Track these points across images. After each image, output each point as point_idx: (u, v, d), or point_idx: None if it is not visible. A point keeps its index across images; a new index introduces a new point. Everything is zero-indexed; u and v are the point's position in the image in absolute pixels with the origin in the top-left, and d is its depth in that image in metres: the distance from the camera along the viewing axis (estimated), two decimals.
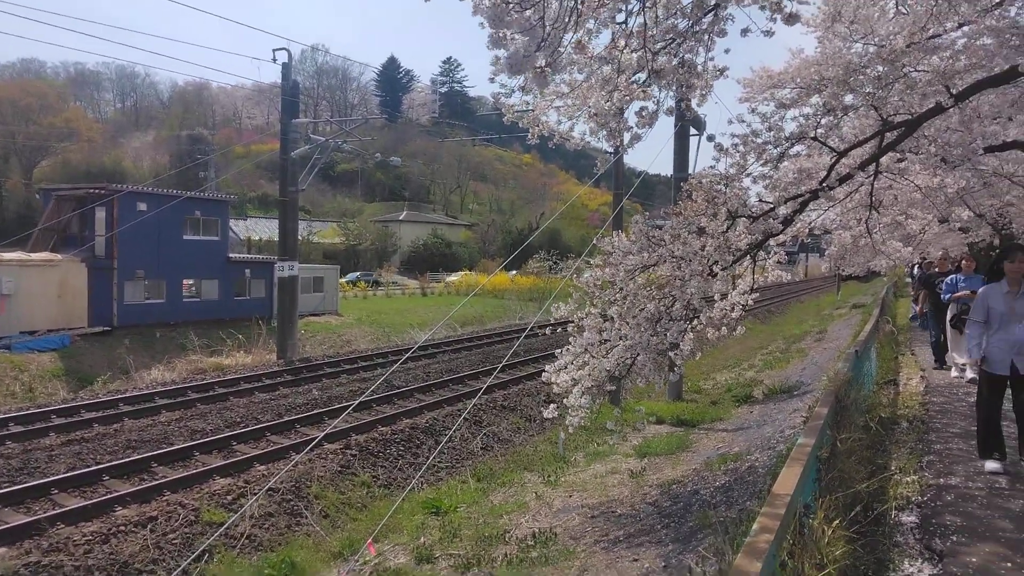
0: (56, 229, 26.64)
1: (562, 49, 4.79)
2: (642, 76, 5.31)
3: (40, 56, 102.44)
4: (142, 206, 25.52)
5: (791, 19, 4.89)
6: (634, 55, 5.21)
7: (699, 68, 5.28)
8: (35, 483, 10.20)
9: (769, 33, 4.93)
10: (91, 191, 26.15)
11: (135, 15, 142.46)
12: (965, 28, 6.37)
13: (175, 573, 7.81)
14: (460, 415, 14.05)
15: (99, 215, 25.76)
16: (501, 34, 4.19)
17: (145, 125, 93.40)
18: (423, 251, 66.01)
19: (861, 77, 6.63)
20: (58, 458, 11.60)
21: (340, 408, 14.56)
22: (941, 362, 12.00)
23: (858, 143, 7.15)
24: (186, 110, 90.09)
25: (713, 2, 5.05)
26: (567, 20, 4.58)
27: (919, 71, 6.47)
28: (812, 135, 6.60)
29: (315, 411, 14.77)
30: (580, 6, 4.61)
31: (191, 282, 28.34)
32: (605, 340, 6.65)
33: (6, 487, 10.08)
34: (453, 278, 53.30)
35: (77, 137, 66.97)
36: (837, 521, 4.19)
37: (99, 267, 25.06)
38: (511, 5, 4.08)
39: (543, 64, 4.57)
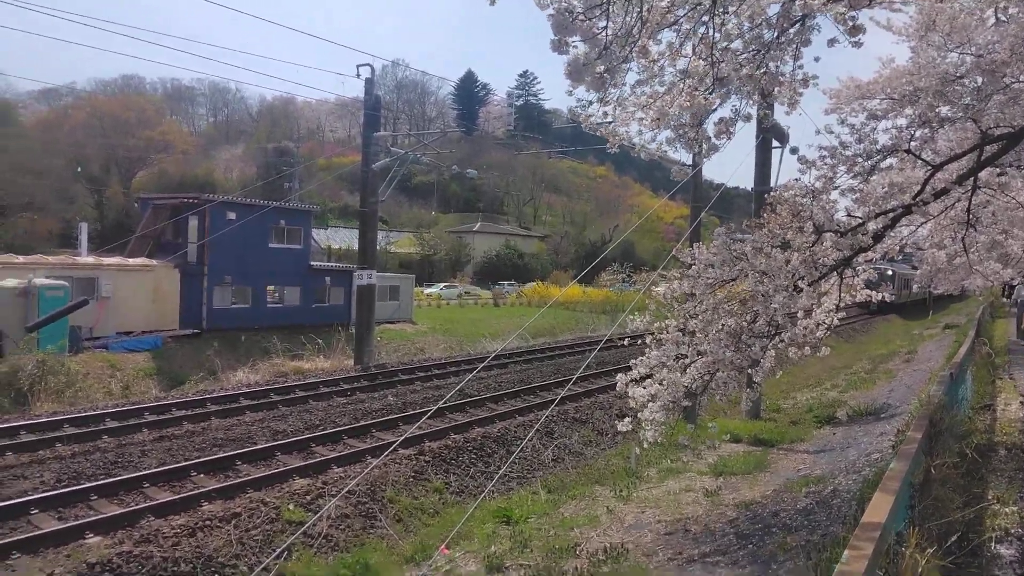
0: (152, 236, 28.12)
1: (630, 59, 4.79)
2: (708, 82, 5.26)
3: (140, 72, 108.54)
4: (231, 215, 26.68)
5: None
6: (701, 62, 5.16)
7: (784, 77, 5.19)
8: (128, 476, 10.74)
9: (856, 40, 4.78)
10: (185, 200, 27.57)
11: (229, 34, 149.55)
12: None
13: (257, 570, 8.07)
14: (532, 426, 14.05)
15: (192, 223, 27.13)
16: (563, 41, 4.22)
17: (235, 138, 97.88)
18: (496, 261, 66.53)
19: (958, 88, 6.37)
20: (150, 453, 12.18)
21: (414, 414, 14.79)
22: None
23: (955, 156, 6.85)
24: (273, 124, 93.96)
25: (801, 13, 4.96)
26: (634, 28, 4.58)
27: (1022, 82, 6.17)
28: (905, 147, 6.36)
29: (390, 416, 15.04)
30: (645, 13, 4.61)
31: (274, 288, 29.45)
32: (683, 355, 6.55)
33: (102, 479, 10.65)
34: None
35: (172, 149, 70.54)
36: (931, 550, 4.00)
37: (190, 273, 26.33)
38: (576, 15, 4.11)
39: (602, 70, 4.58)
